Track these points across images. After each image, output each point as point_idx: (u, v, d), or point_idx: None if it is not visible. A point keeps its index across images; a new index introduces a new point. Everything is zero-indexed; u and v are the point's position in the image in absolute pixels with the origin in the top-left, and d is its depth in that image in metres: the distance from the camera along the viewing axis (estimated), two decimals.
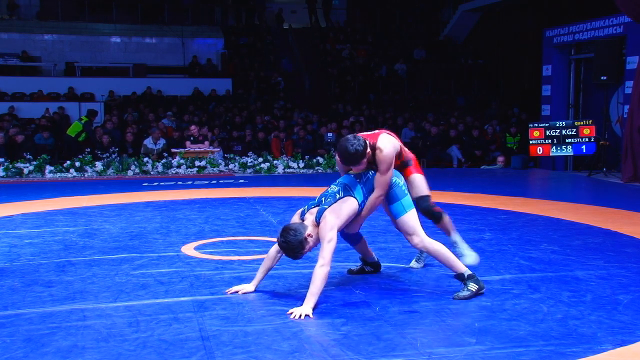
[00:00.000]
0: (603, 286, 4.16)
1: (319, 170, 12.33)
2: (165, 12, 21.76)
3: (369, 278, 4.41)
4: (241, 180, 10.92)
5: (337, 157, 4.16)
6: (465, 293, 3.86)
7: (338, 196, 3.94)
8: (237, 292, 4.02)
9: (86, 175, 11.52)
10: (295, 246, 3.77)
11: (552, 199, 8.53)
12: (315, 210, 3.92)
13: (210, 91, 18.01)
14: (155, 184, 10.46)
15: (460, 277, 3.94)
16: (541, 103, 13.31)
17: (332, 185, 4.08)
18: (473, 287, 3.88)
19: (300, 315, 3.54)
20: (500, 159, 13.05)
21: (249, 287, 4.05)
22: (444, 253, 3.95)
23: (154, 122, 14.63)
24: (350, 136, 3.98)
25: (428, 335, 3.27)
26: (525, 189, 10.13)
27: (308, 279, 4.35)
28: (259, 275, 4.08)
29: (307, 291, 3.69)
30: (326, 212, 3.84)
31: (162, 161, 11.96)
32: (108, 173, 11.69)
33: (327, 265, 3.70)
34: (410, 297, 3.94)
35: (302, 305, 3.62)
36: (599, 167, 11.19)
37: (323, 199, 3.97)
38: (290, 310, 3.61)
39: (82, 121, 13.55)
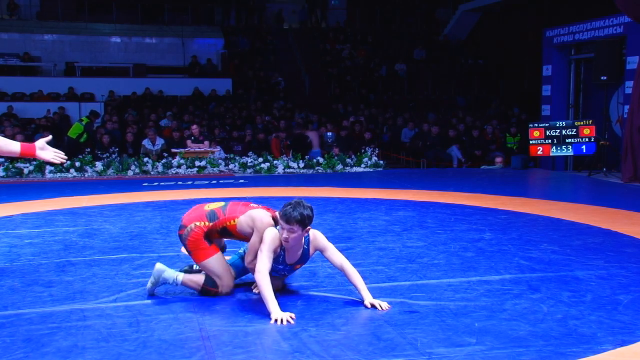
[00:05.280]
0: (603, 286, 4.16)
1: (319, 170, 12.32)
2: (165, 12, 21.77)
3: (369, 279, 4.40)
4: (241, 180, 10.91)
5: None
6: None
7: None
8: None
9: (86, 175, 11.51)
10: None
11: (552, 199, 8.52)
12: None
13: (210, 91, 18.02)
14: (155, 184, 10.46)
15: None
16: (541, 103, 13.29)
17: None
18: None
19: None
20: (498, 159, 13.03)
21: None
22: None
23: (153, 122, 14.62)
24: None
25: (428, 335, 3.27)
26: (525, 189, 10.12)
27: (308, 278, 4.37)
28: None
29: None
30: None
31: (162, 161, 11.95)
32: (108, 173, 11.68)
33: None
34: (410, 297, 3.94)
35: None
36: (599, 167, 11.19)
37: None
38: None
39: (83, 122, 13.53)
